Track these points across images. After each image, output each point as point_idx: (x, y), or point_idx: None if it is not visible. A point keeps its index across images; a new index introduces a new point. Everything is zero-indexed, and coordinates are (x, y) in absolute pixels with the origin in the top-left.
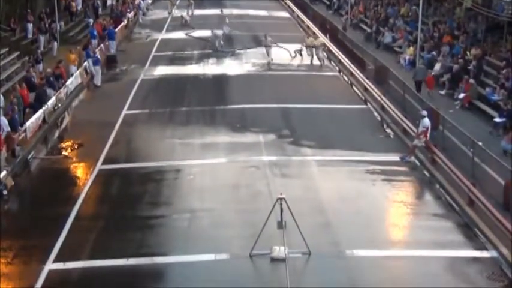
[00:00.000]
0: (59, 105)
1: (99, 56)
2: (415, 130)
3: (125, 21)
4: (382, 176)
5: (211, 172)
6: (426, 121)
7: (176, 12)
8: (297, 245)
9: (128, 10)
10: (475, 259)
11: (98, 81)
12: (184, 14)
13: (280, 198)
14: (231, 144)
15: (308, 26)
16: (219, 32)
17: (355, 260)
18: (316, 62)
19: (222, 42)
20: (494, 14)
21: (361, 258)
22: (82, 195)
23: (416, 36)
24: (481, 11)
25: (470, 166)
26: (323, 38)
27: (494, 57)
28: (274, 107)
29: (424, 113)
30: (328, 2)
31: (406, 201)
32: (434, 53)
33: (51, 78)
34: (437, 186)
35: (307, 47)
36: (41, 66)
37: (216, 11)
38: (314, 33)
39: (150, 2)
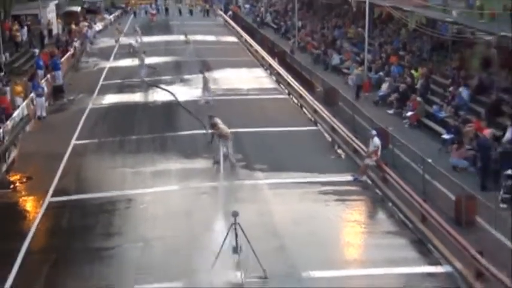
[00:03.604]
0: (6, 138)
1: (45, 87)
2: (365, 150)
3: (72, 51)
4: (335, 197)
5: (164, 200)
6: (376, 140)
7: (123, 40)
8: (253, 269)
9: (75, 39)
10: (430, 274)
11: (43, 112)
12: (133, 41)
13: (234, 223)
14: (182, 171)
15: (256, 50)
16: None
17: (312, 281)
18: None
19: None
20: (439, 33)
21: (318, 279)
22: (32, 229)
23: (363, 58)
24: (426, 31)
25: (421, 183)
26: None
27: (440, 75)
28: None
29: (374, 132)
30: (275, 26)
31: (360, 220)
32: (381, 73)
33: None
34: (390, 204)
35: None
36: None
37: (163, 38)
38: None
39: (97, 30)
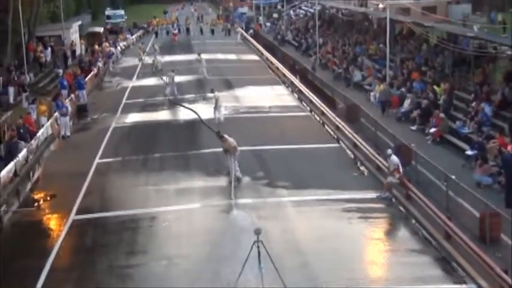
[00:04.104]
0: (31, 157)
1: (69, 107)
2: (387, 167)
3: (95, 70)
4: (358, 214)
5: (187, 218)
6: (394, 158)
7: (146, 59)
8: (276, 286)
9: (99, 59)
10: None
11: (67, 131)
12: (157, 58)
13: (257, 241)
14: (205, 189)
15: (278, 68)
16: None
17: None
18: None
19: (174, 89)
20: (460, 48)
21: None
22: (56, 247)
23: (385, 74)
24: (447, 46)
25: (444, 200)
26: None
27: (462, 91)
28: (248, 149)
29: (389, 151)
30: (296, 44)
31: (383, 238)
32: (403, 89)
33: (21, 130)
34: (413, 221)
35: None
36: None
37: (185, 57)
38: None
39: (120, 49)
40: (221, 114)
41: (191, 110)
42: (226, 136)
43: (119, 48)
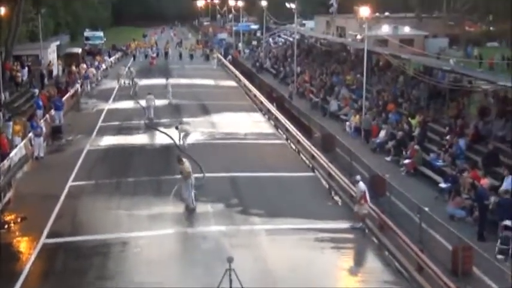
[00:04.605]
0: (2, 177)
1: (43, 127)
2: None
3: (71, 91)
4: (331, 244)
5: (159, 244)
6: (361, 186)
7: (124, 82)
8: None
9: (78, 81)
10: None
11: (41, 152)
12: (134, 81)
13: (229, 269)
14: (178, 215)
15: (255, 95)
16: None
17: None
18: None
19: (151, 112)
20: (436, 82)
21: None
22: (25, 271)
23: (361, 104)
24: (424, 79)
25: (417, 232)
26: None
27: (437, 123)
28: (223, 175)
29: (358, 177)
30: (274, 71)
31: (356, 269)
32: (379, 120)
33: None
34: (386, 252)
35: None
36: None
37: (162, 81)
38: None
39: (101, 72)
40: (185, 145)
41: (166, 134)
42: (184, 160)
43: (100, 70)
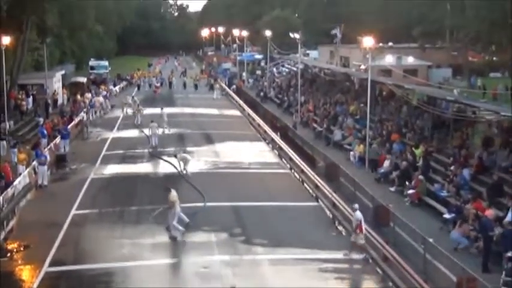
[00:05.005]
0: (5, 205)
1: (47, 156)
2: (366, 228)
3: (76, 120)
4: (335, 274)
5: (162, 273)
6: (358, 214)
7: (128, 111)
8: None
9: (84, 110)
10: None
11: (45, 181)
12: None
13: None
14: (182, 244)
15: (259, 124)
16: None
17: None
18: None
19: (155, 140)
20: (440, 112)
21: None
22: None
23: (365, 134)
24: (427, 109)
25: (421, 262)
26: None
27: (441, 154)
28: (226, 205)
29: (356, 206)
30: (278, 101)
31: None
32: (383, 150)
33: None
34: (390, 283)
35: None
36: None
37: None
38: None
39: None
40: (188, 171)
41: (169, 163)
42: (172, 190)
43: (109, 99)
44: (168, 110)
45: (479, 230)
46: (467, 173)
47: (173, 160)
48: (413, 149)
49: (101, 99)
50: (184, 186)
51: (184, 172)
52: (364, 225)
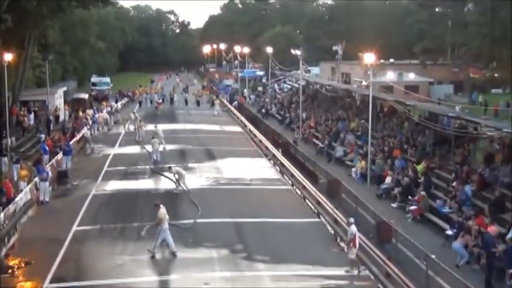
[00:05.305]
0: (6, 222)
1: (49, 172)
2: (368, 244)
3: (78, 137)
4: None
5: None
6: (352, 228)
7: (130, 127)
8: None
9: (87, 126)
10: None
11: (46, 197)
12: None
13: None
14: (183, 260)
15: (260, 140)
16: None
17: None
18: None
19: (156, 156)
20: (441, 128)
21: None
22: None
23: (366, 150)
24: (429, 125)
25: (424, 279)
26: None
27: (443, 170)
28: (228, 221)
29: (352, 220)
30: (280, 117)
31: None
32: (384, 166)
33: None
34: None
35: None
36: None
37: (168, 126)
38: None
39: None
40: (186, 185)
41: (170, 179)
42: (160, 206)
43: (113, 115)
44: (169, 126)
45: (482, 246)
46: (469, 189)
47: (169, 174)
48: (415, 165)
49: (105, 115)
50: (181, 202)
51: (181, 187)
52: (358, 240)
